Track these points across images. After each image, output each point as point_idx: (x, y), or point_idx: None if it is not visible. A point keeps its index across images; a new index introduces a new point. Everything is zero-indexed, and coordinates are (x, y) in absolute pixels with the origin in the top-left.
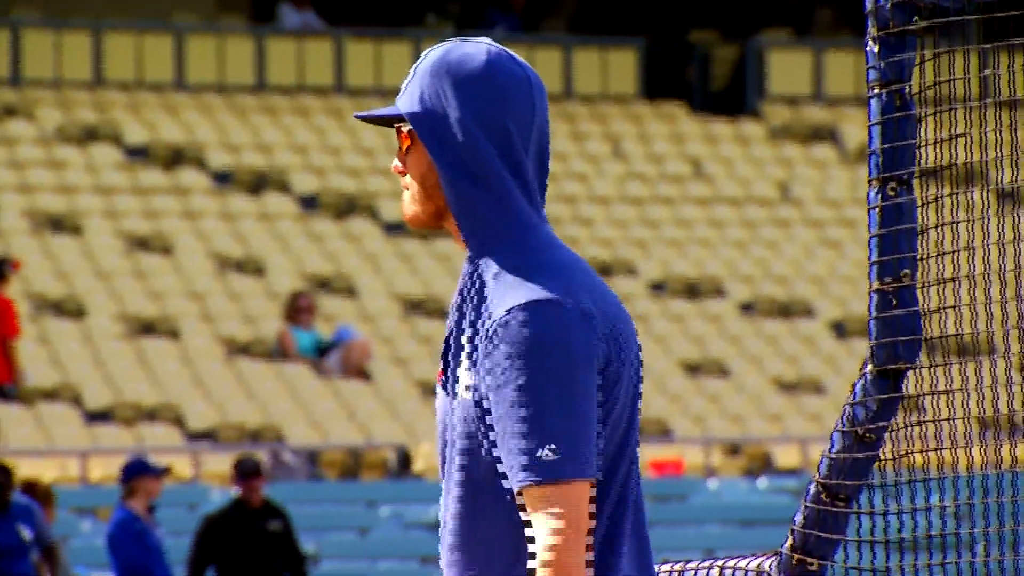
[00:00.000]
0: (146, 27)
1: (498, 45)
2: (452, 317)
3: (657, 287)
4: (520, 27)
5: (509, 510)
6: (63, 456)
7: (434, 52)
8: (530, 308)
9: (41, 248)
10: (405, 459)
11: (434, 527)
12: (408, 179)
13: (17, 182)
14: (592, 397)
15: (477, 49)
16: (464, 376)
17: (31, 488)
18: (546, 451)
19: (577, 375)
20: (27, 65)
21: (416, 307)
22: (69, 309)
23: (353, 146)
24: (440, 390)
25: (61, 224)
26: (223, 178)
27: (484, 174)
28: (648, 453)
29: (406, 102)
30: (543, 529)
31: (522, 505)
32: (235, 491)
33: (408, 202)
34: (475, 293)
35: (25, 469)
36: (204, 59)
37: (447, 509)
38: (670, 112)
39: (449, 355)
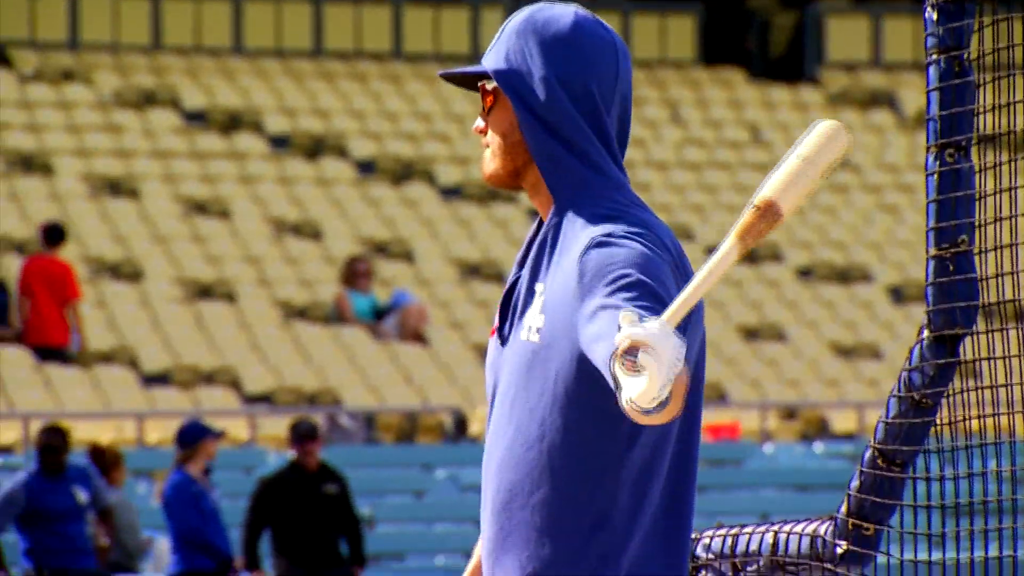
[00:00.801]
0: None
1: (585, 10)
2: (516, 270)
3: (714, 251)
4: None
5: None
6: (120, 419)
7: (521, 13)
8: (623, 233)
9: (99, 212)
10: (461, 423)
11: None
12: (489, 137)
13: (75, 146)
14: None
15: (564, 12)
16: (534, 320)
17: (99, 452)
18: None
19: (667, 290)
20: (85, 29)
21: (472, 271)
22: (126, 272)
23: (410, 111)
24: (493, 344)
25: (119, 188)
26: (280, 143)
27: (568, 132)
28: (704, 417)
29: (492, 60)
30: None
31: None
32: (291, 454)
33: (488, 160)
34: (558, 241)
35: (82, 432)
36: (262, 24)
37: (496, 453)
38: (728, 78)
39: (511, 306)
